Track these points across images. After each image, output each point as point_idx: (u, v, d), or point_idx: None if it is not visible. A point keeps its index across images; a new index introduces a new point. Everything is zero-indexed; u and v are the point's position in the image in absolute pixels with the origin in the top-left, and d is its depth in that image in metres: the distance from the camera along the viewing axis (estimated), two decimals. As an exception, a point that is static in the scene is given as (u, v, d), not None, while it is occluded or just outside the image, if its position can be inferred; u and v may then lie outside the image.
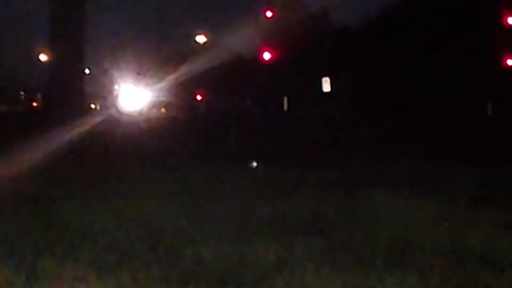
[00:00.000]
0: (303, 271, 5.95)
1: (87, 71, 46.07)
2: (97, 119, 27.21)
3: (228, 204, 9.27)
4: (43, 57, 45.43)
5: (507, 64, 37.57)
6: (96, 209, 8.81)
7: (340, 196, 9.82)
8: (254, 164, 8.16)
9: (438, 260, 6.28)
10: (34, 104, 53.58)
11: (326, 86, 44.07)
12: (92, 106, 53.58)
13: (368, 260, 6.29)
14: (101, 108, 51.15)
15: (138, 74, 43.52)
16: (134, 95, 39.85)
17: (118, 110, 38.36)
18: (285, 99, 48.58)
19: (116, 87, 48.95)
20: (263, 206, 8.98)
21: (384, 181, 11.18)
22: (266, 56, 40.08)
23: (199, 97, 52.50)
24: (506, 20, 35.68)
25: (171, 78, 41.88)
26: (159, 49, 49.44)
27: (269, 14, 40.86)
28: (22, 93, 58.97)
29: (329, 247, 6.80)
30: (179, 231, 7.49)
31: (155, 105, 44.75)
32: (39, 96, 53.52)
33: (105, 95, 49.92)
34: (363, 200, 9.40)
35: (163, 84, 41.73)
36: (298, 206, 9.02)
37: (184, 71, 41.75)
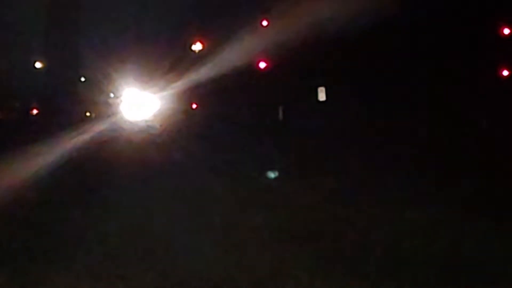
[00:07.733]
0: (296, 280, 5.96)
1: (82, 78, 46.02)
2: (96, 127, 27.05)
3: (224, 212, 9.26)
4: (38, 65, 45.33)
5: (502, 75, 37.64)
6: (93, 215, 8.80)
7: (335, 206, 9.79)
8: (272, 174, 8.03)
9: (432, 271, 6.28)
10: (34, 111, 53.12)
11: (322, 95, 44.08)
12: (87, 114, 53.22)
13: (361, 270, 6.29)
14: (98, 116, 50.80)
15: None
16: (140, 103, 39.54)
17: (122, 119, 38.07)
18: (280, 108, 48.55)
19: (112, 95, 48.74)
20: (258, 214, 8.97)
21: (379, 192, 11.16)
22: (262, 65, 40.13)
23: (194, 106, 52.40)
24: (502, 30, 35.77)
25: (170, 86, 41.89)
26: (159, 56, 49.35)
27: (264, 23, 40.91)
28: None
29: (324, 256, 6.81)
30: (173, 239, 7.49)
31: (161, 114, 44.54)
32: (34, 104, 53.21)
33: (105, 102, 49.67)
34: (359, 211, 9.37)
35: (166, 91, 41.69)
36: (294, 215, 9.02)
37: (180, 79, 41.76)
